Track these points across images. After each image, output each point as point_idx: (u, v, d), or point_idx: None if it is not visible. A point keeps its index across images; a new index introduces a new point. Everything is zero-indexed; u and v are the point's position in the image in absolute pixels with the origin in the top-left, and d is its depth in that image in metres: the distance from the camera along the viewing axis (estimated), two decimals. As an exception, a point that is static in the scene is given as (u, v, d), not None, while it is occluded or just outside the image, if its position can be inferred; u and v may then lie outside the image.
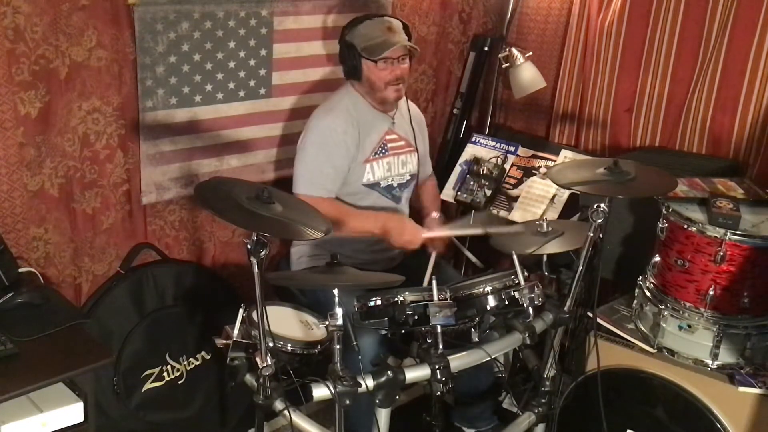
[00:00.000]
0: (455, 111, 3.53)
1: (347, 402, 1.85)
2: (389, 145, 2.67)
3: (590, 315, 2.35)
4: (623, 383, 2.38)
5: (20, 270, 2.25)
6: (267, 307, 1.82)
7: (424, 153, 2.87)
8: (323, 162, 2.53)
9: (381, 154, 2.64)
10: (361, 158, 2.59)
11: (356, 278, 2.08)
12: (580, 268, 2.20)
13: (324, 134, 2.54)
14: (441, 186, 3.15)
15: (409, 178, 2.76)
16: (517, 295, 2.10)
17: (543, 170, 2.96)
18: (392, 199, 2.71)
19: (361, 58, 2.52)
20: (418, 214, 2.84)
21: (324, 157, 2.53)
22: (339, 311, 1.84)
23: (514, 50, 3.17)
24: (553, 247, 2.30)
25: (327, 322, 1.85)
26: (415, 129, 2.76)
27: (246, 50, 2.71)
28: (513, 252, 2.15)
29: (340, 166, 2.55)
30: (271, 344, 1.86)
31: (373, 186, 2.64)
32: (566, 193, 2.83)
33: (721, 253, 2.18)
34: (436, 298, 1.99)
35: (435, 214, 2.75)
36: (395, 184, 2.71)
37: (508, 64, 3.19)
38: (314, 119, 2.59)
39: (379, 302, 2.05)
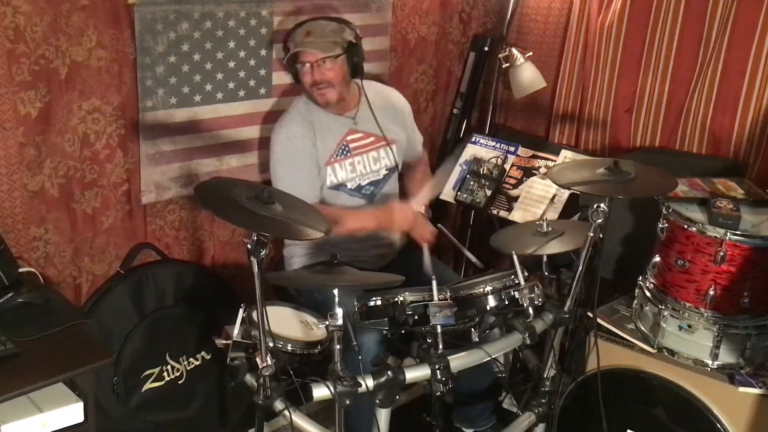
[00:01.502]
0: (455, 111, 3.53)
1: (347, 402, 1.85)
2: (352, 145, 2.67)
3: (590, 315, 2.35)
4: (623, 383, 2.38)
5: (20, 270, 2.25)
6: (267, 307, 1.82)
7: (408, 137, 2.85)
8: (295, 171, 2.54)
9: (342, 156, 2.64)
10: (321, 161, 2.60)
11: (356, 278, 2.08)
12: (580, 268, 2.20)
13: (284, 145, 2.56)
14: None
15: (386, 172, 2.75)
16: (517, 295, 2.10)
17: (543, 170, 2.96)
18: (363, 198, 2.71)
19: (293, 63, 2.56)
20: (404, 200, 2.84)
21: (293, 166, 2.54)
22: (339, 311, 1.84)
23: (514, 50, 3.17)
24: (553, 247, 2.30)
25: (327, 322, 1.85)
26: (382, 121, 2.72)
27: (246, 50, 2.71)
28: (513, 252, 2.15)
29: (311, 168, 2.57)
30: (271, 344, 1.86)
31: (339, 187, 2.64)
32: (566, 193, 2.83)
33: (721, 253, 2.18)
34: (436, 298, 1.98)
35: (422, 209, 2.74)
36: (365, 183, 2.70)
37: (508, 64, 3.18)
38: (274, 133, 2.61)
39: (379, 302, 2.05)
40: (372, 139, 2.72)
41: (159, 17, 2.46)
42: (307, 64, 2.52)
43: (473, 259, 2.82)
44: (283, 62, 2.61)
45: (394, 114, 2.81)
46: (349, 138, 2.67)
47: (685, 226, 2.25)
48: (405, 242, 2.74)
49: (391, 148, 2.74)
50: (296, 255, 2.68)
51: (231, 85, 2.72)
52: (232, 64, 2.70)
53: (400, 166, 2.79)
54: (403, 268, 2.52)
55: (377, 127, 2.72)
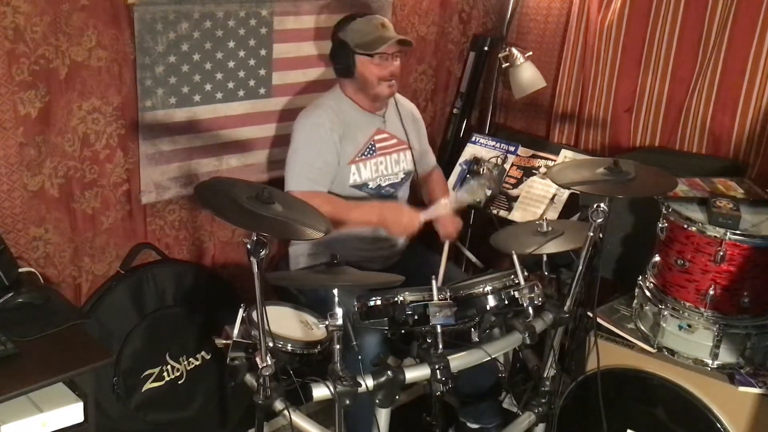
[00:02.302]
0: (455, 111, 3.53)
1: (347, 402, 1.85)
2: (378, 145, 2.67)
3: (590, 315, 2.35)
4: (623, 383, 2.38)
5: (20, 270, 2.25)
6: (267, 307, 1.82)
7: (421, 148, 2.88)
8: (313, 157, 2.53)
9: (368, 155, 2.65)
10: (345, 160, 2.60)
11: (356, 278, 2.08)
12: (580, 268, 2.20)
13: (311, 131, 2.56)
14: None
15: (403, 176, 2.76)
16: (517, 295, 2.10)
17: (543, 170, 2.96)
18: (382, 199, 2.71)
19: (354, 55, 2.53)
20: (428, 205, 2.83)
21: (313, 152, 2.53)
22: (339, 311, 1.84)
23: (514, 50, 3.17)
24: (553, 247, 2.30)
25: (327, 322, 1.85)
26: (406, 125, 2.76)
27: (246, 50, 2.71)
28: (513, 252, 2.15)
29: (330, 160, 2.56)
30: (271, 344, 1.86)
31: (361, 187, 2.65)
32: (566, 193, 2.83)
33: (721, 253, 2.18)
34: (436, 298, 1.98)
35: (444, 201, 2.73)
36: (384, 184, 2.71)
37: (508, 64, 3.19)
38: (300, 119, 2.61)
39: (379, 302, 2.05)
40: (395, 140, 2.74)
41: (159, 17, 2.46)
42: (381, 57, 2.53)
43: (473, 259, 2.82)
44: (335, 53, 2.58)
45: (413, 122, 2.85)
46: (376, 137, 2.68)
47: (685, 226, 2.25)
48: (407, 243, 2.75)
49: (410, 153, 2.76)
50: (302, 254, 2.68)
51: (230, 85, 2.72)
52: (231, 64, 2.70)
53: (418, 174, 2.80)
54: (405, 268, 2.52)
55: (402, 130, 2.75)
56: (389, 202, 2.69)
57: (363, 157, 2.63)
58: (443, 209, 2.62)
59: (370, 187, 2.66)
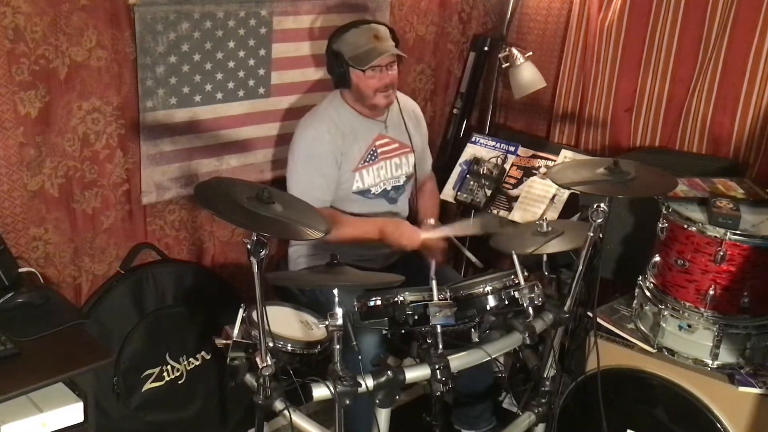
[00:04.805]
0: (455, 111, 3.53)
1: (347, 402, 1.85)
2: (380, 150, 2.68)
3: (590, 315, 2.35)
4: (623, 383, 2.38)
5: (20, 270, 2.26)
6: (267, 307, 1.82)
7: (422, 150, 2.87)
8: (313, 173, 2.53)
9: (370, 161, 2.65)
10: (349, 168, 2.60)
11: (356, 278, 2.08)
12: (580, 268, 2.20)
13: (310, 145, 2.55)
14: (440, 186, 3.14)
15: (405, 179, 2.76)
16: (517, 295, 2.10)
17: (543, 170, 2.96)
18: (388, 201, 2.71)
19: (349, 67, 2.52)
20: (415, 218, 2.83)
21: (312, 168, 2.54)
22: (339, 311, 1.84)
23: (514, 50, 3.17)
24: (553, 247, 2.30)
25: (327, 322, 1.85)
26: (409, 128, 2.75)
27: (245, 50, 2.71)
28: (513, 252, 2.15)
29: (330, 174, 2.56)
30: (271, 344, 1.86)
31: (364, 193, 2.65)
32: (566, 193, 2.83)
33: (721, 253, 2.18)
34: (436, 298, 1.98)
35: (431, 221, 2.73)
36: (389, 188, 2.71)
37: (508, 64, 3.19)
38: (300, 129, 2.60)
39: (379, 302, 2.05)
40: (397, 145, 2.73)
41: (159, 17, 2.46)
42: (374, 69, 2.50)
43: (473, 259, 2.82)
44: (330, 65, 2.56)
45: (416, 123, 2.84)
46: (377, 143, 2.67)
47: (685, 226, 2.25)
48: None
49: (412, 157, 2.77)
50: (302, 254, 2.68)
51: (230, 85, 2.72)
52: (231, 64, 2.70)
53: (418, 177, 2.80)
54: (406, 268, 2.52)
55: (405, 133, 2.74)
56: (391, 218, 2.68)
57: (365, 163, 2.63)
58: (441, 232, 2.61)
59: (372, 192, 2.66)
